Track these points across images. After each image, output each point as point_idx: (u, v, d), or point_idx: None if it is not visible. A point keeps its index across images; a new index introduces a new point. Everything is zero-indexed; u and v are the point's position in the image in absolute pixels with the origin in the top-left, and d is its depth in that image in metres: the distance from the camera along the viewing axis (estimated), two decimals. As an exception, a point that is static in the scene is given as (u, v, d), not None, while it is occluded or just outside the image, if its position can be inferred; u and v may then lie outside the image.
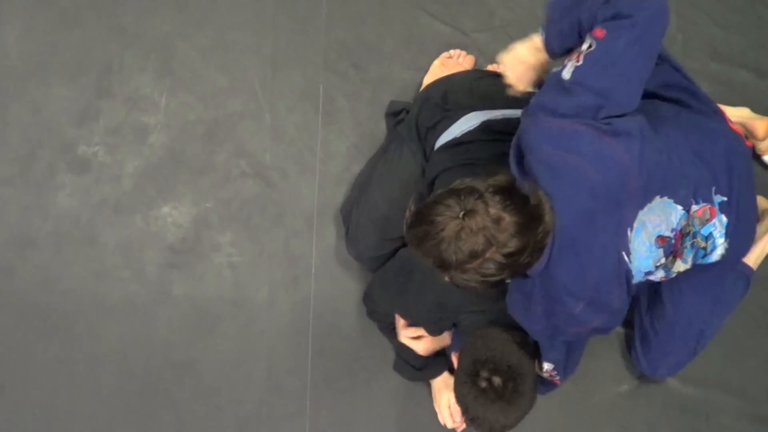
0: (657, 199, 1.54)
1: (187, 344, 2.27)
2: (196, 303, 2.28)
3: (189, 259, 2.29)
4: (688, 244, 1.65)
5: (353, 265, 2.23)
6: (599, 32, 1.49)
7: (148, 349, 2.27)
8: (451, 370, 2.13)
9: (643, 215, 1.53)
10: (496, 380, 1.73)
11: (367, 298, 2.12)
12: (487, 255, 1.41)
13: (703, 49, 2.30)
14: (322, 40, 2.33)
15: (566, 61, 1.54)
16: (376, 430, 2.26)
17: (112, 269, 2.28)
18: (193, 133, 2.31)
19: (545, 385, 1.95)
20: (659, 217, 1.55)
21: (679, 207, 1.58)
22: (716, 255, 1.70)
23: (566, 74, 1.52)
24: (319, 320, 2.26)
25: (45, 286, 2.27)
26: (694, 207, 1.62)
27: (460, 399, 1.80)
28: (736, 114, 2.15)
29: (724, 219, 1.67)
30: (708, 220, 1.65)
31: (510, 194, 1.44)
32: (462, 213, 1.40)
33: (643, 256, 1.56)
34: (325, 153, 2.30)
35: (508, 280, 1.53)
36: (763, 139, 2.17)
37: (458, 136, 1.87)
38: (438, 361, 2.14)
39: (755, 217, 1.82)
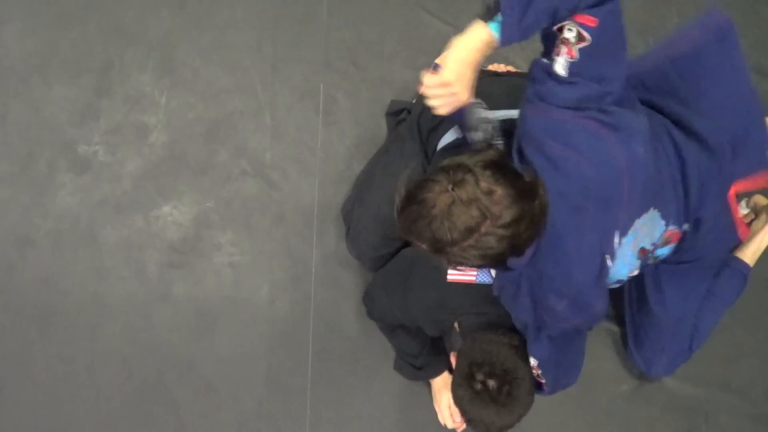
0: (651, 210, 1.53)
1: (188, 343, 2.27)
2: (196, 302, 2.28)
3: (189, 259, 2.29)
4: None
5: (354, 264, 2.23)
6: (590, 20, 1.42)
7: (148, 349, 2.27)
8: (451, 370, 2.13)
9: (638, 224, 1.52)
10: (491, 383, 1.73)
11: (368, 298, 2.12)
12: (483, 229, 1.36)
13: (703, 49, 2.30)
14: (323, 39, 2.32)
15: (555, 55, 1.46)
16: (376, 429, 2.26)
17: (113, 269, 2.28)
18: (193, 133, 2.31)
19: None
20: (648, 228, 1.54)
21: (663, 222, 1.57)
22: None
23: (561, 70, 1.46)
24: (319, 320, 2.27)
25: (45, 285, 2.27)
26: (669, 228, 1.62)
27: (456, 400, 1.81)
28: None
29: (673, 245, 1.69)
30: (668, 244, 1.65)
31: (500, 168, 1.39)
32: (451, 186, 1.36)
33: (623, 264, 1.55)
34: (325, 152, 2.30)
35: (510, 260, 1.47)
36: None
37: (460, 137, 1.87)
38: (438, 360, 2.14)
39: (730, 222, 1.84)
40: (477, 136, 1.58)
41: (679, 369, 2.18)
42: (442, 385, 2.15)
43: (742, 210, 2.20)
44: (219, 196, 2.30)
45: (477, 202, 1.34)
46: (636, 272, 1.60)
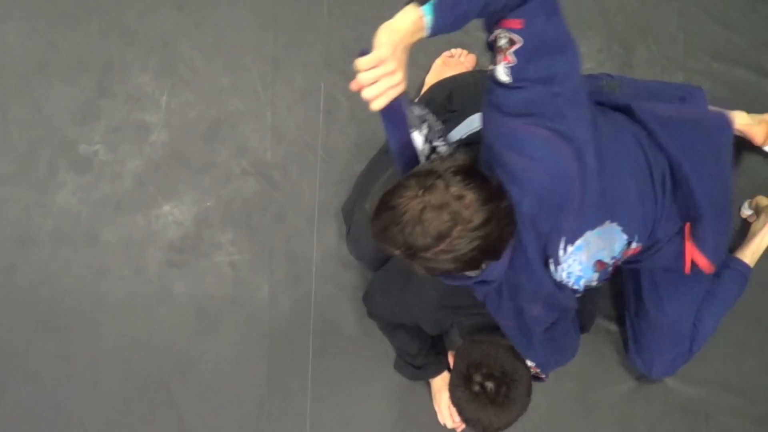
0: (607, 223, 1.53)
1: (188, 343, 2.27)
2: (196, 301, 2.28)
3: (190, 258, 2.29)
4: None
5: (354, 264, 2.23)
6: (515, 23, 1.41)
7: (148, 348, 2.27)
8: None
9: (591, 236, 1.51)
10: (489, 385, 1.74)
11: (367, 298, 2.12)
12: (455, 233, 1.36)
13: (704, 49, 2.29)
14: (323, 39, 2.32)
15: (494, 64, 1.46)
16: (376, 428, 2.27)
17: (113, 268, 2.28)
18: (194, 132, 2.31)
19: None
20: (604, 242, 1.53)
21: (625, 237, 1.57)
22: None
23: (504, 77, 1.44)
24: (319, 319, 2.27)
25: (46, 284, 2.28)
26: (633, 245, 1.61)
27: (454, 401, 1.81)
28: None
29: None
30: (630, 256, 1.66)
31: (470, 174, 1.39)
32: (422, 191, 1.35)
33: (576, 274, 1.54)
34: (326, 152, 2.30)
35: (483, 265, 1.49)
36: (764, 144, 2.16)
37: (463, 137, 1.87)
38: (437, 360, 2.14)
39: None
40: (421, 137, 1.55)
41: (681, 369, 2.18)
42: (441, 384, 2.15)
43: (745, 211, 2.20)
44: (219, 195, 2.30)
45: (447, 207, 1.35)
46: (595, 283, 1.59)
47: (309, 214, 2.29)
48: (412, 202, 1.35)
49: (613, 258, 1.57)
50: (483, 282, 1.54)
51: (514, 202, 1.43)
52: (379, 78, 1.36)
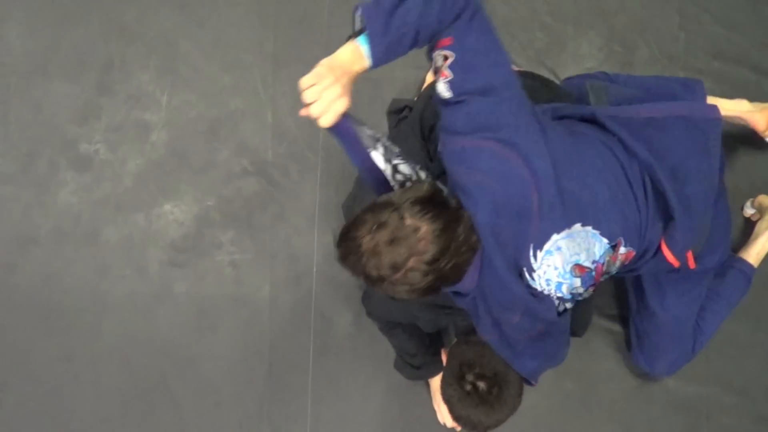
0: (578, 226, 1.53)
1: (189, 342, 2.27)
2: (197, 301, 2.28)
3: (191, 257, 2.29)
4: (602, 279, 1.66)
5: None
6: (446, 41, 1.47)
7: (149, 347, 2.27)
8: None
9: (560, 240, 1.52)
10: (481, 385, 1.75)
11: (366, 298, 2.12)
12: (409, 265, 1.42)
13: (705, 48, 2.30)
14: (324, 37, 2.32)
15: (436, 83, 1.51)
16: (376, 428, 2.27)
17: (114, 267, 2.28)
18: (194, 131, 2.31)
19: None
20: (579, 245, 1.53)
21: (605, 240, 1.57)
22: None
23: (445, 93, 1.49)
24: (320, 318, 2.27)
25: (46, 283, 2.28)
26: (623, 250, 1.61)
27: (445, 398, 1.83)
28: (734, 108, 2.12)
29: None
30: (625, 264, 1.66)
31: (429, 203, 1.45)
32: (375, 226, 1.42)
33: (553, 280, 1.54)
34: (326, 151, 2.30)
35: (445, 288, 1.54)
36: (766, 131, 2.15)
37: None
38: (436, 360, 2.14)
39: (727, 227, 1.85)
40: (379, 156, 1.59)
41: (681, 369, 2.18)
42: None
43: (748, 210, 2.20)
44: (220, 194, 2.30)
45: (400, 241, 1.40)
46: (582, 290, 1.59)
47: (310, 213, 2.29)
48: (366, 237, 1.42)
49: (594, 262, 1.57)
50: (458, 293, 1.58)
51: (471, 216, 1.47)
52: (320, 93, 1.43)
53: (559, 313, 1.61)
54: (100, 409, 2.26)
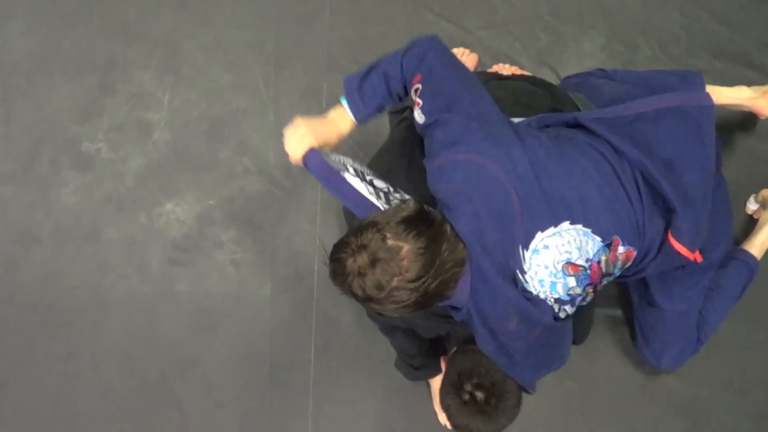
0: (566, 225, 1.53)
1: (191, 341, 2.27)
2: (199, 300, 2.28)
3: (192, 256, 2.29)
4: (605, 281, 1.65)
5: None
6: (416, 79, 1.61)
7: (151, 346, 2.27)
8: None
9: (546, 238, 1.52)
10: (479, 395, 1.75)
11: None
12: (393, 284, 1.45)
13: (706, 48, 2.29)
14: (326, 37, 2.33)
15: (413, 114, 1.63)
16: (377, 428, 2.27)
17: (115, 266, 2.29)
18: (196, 131, 2.31)
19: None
20: (569, 243, 1.54)
21: (598, 238, 1.57)
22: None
23: (420, 119, 1.61)
24: (321, 318, 2.27)
25: (48, 282, 2.28)
26: (621, 249, 1.61)
27: (444, 407, 1.83)
28: (734, 95, 2.09)
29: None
30: (626, 263, 1.65)
31: (414, 221, 1.48)
32: (357, 248, 1.46)
33: (546, 280, 1.54)
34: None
35: (436, 304, 1.55)
36: None
37: None
38: (436, 361, 2.14)
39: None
40: (353, 177, 1.67)
41: (682, 368, 2.18)
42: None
43: (751, 206, 2.20)
44: (222, 193, 2.30)
45: (383, 261, 1.44)
46: (578, 290, 1.59)
47: (311, 212, 2.29)
48: (349, 259, 1.46)
49: (588, 260, 1.56)
50: (453, 307, 1.60)
51: (455, 228, 1.51)
52: (292, 135, 1.65)
53: (559, 318, 1.61)
54: (102, 407, 2.27)
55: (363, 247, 1.45)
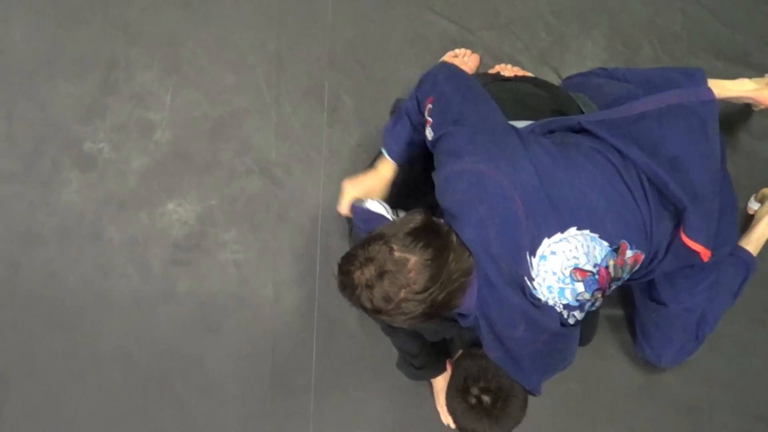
0: (573, 230, 1.54)
1: (192, 341, 2.27)
2: (200, 300, 2.28)
3: (194, 256, 2.29)
4: (613, 285, 1.66)
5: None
6: (429, 100, 1.66)
7: (152, 346, 2.27)
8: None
9: (553, 244, 1.53)
10: (485, 399, 1.76)
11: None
12: (401, 296, 1.47)
13: (708, 48, 2.30)
14: (328, 37, 2.33)
15: (425, 133, 1.68)
16: (379, 427, 2.27)
17: (117, 266, 2.29)
18: (198, 130, 2.31)
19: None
20: (577, 249, 1.54)
21: (605, 243, 1.57)
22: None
23: (430, 135, 1.65)
24: (323, 318, 2.27)
25: (50, 281, 2.28)
26: (629, 253, 1.61)
27: (450, 410, 1.85)
28: (737, 88, 2.08)
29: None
30: (634, 267, 1.66)
31: (421, 233, 1.49)
32: (365, 260, 1.48)
33: (554, 286, 1.55)
34: (330, 150, 2.30)
35: (445, 313, 1.56)
36: None
37: None
38: (438, 361, 2.14)
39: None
40: (385, 210, 1.78)
41: (683, 368, 2.18)
42: (444, 385, 2.15)
43: (752, 206, 2.20)
44: (223, 193, 2.30)
45: (390, 274, 1.46)
46: (587, 295, 1.59)
47: (313, 212, 2.29)
48: (357, 272, 1.49)
49: (596, 266, 1.57)
50: (460, 314, 1.61)
51: (461, 238, 1.52)
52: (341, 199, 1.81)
53: (567, 324, 1.61)
54: (104, 407, 2.27)
55: (370, 260, 1.47)
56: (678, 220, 1.65)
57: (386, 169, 1.82)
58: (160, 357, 2.27)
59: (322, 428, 2.26)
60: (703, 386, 2.24)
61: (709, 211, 1.64)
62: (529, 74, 2.24)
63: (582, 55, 2.31)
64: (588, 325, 1.98)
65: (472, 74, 2.24)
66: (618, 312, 2.24)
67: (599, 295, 1.62)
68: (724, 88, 2.03)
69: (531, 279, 1.54)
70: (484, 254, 1.52)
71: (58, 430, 2.28)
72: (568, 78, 2.19)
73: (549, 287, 1.55)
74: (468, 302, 1.56)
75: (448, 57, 2.28)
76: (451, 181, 1.57)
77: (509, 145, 1.57)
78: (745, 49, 2.30)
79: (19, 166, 2.30)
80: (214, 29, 2.33)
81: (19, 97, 2.32)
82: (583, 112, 1.89)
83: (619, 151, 1.63)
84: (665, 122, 1.65)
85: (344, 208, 1.80)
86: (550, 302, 1.55)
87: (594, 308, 1.66)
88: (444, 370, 2.15)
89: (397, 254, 1.47)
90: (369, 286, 1.48)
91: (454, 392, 1.82)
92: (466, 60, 2.27)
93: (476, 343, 1.87)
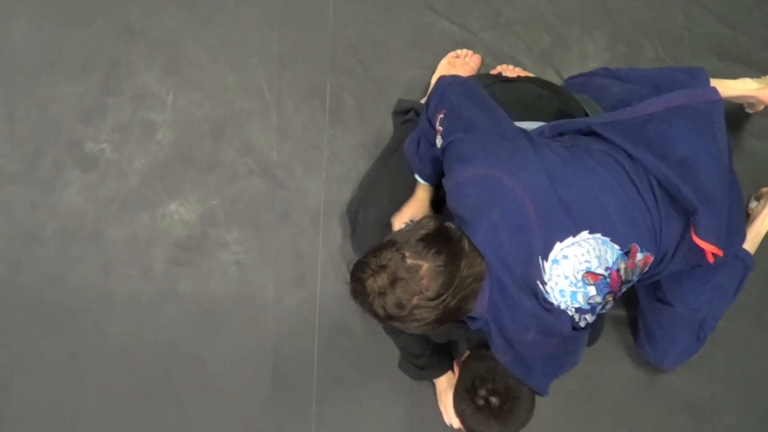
0: (585, 234, 1.54)
1: (194, 341, 2.27)
2: (202, 300, 2.28)
3: (195, 257, 2.29)
4: (624, 288, 1.66)
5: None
6: (441, 113, 1.67)
7: (154, 346, 2.27)
8: (455, 371, 2.14)
9: (565, 248, 1.53)
10: (493, 400, 1.77)
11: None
12: (414, 303, 1.47)
13: (710, 48, 2.30)
14: (329, 38, 2.33)
15: (436, 141, 1.68)
16: (381, 428, 2.26)
17: (119, 266, 2.29)
18: (200, 131, 2.31)
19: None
20: (589, 253, 1.54)
21: (617, 246, 1.57)
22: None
23: (439, 143, 1.65)
24: (325, 318, 2.27)
25: (51, 282, 2.28)
26: (639, 256, 1.61)
27: (458, 412, 1.85)
28: (740, 87, 2.08)
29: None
30: (644, 269, 1.66)
31: (433, 239, 1.50)
32: (377, 268, 1.49)
33: (567, 290, 1.55)
34: (331, 151, 2.30)
35: (457, 319, 1.57)
36: None
37: None
38: (441, 361, 2.14)
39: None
40: None
41: (685, 369, 2.18)
42: (447, 385, 2.15)
43: (753, 205, 2.20)
44: (225, 194, 2.30)
45: (402, 281, 1.46)
46: (599, 298, 1.59)
47: (314, 213, 2.29)
48: (369, 279, 1.50)
49: (608, 269, 1.57)
50: (470, 317, 1.61)
51: (472, 242, 1.52)
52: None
53: (578, 327, 1.61)
54: (105, 407, 2.27)
55: (383, 267, 1.48)
56: (686, 221, 1.65)
57: (422, 192, 1.85)
58: (161, 357, 2.27)
59: (323, 429, 2.26)
60: (705, 387, 2.24)
61: (720, 211, 1.64)
62: (532, 75, 2.24)
63: (583, 56, 2.31)
64: (595, 326, 1.98)
65: (474, 75, 2.24)
66: (620, 312, 2.24)
67: (610, 298, 1.62)
68: (728, 87, 2.03)
69: (543, 283, 1.54)
70: (497, 259, 1.52)
71: (59, 430, 2.28)
72: (571, 78, 2.19)
73: (561, 291, 1.55)
74: (479, 306, 1.56)
75: (449, 57, 2.28)
76: (462, 187, 1.57)
77: (519, 149, 1.57)
78: (747, 49, 2.29)
79: (20, 167, 2.30)
80: (216, 30, 2.34)
81: (20, 97, 2.32)
82: (587, 114, 1.89)
83: (629, 154, 1.63)
84: (673, 123, 1.65)
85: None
86: (562, 306, 1.55)
87: (604, 311, 1.66)
88: (447, 370, 2.15)
89: (409, 261, 1.47)
90: (381, 294, 1.48)
91: (462, 394, 1.82)
92: (467, 60, 2.27)
93: (483, 345, 1.87)
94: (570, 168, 1.57)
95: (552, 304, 1.55)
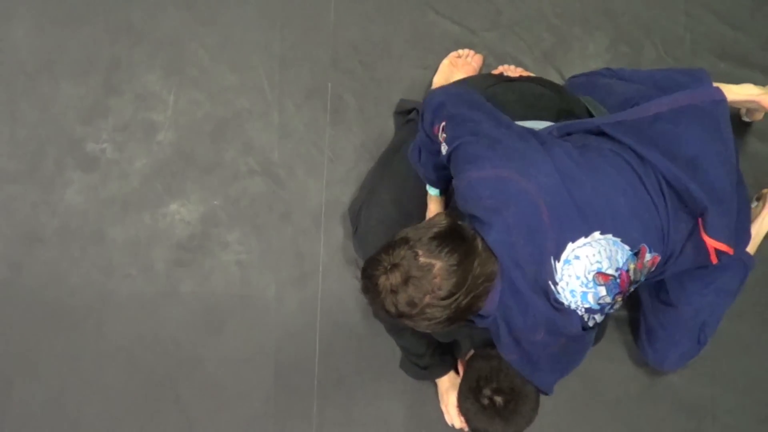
0: (596, 234, 1.54)
1: (195, 341, 2.27)
2: (203, 300, 2.28)
3: (196, 257, 2.29)
4: (632, 288, 1.66)
5: (361, 263, 2.23)
6: (439, 126, 1.66)
7: (155, 346, 2.27)
8: (458, 371, 2.14)
9: (577, 248, 1.53)
10: (498, 399, 1.78)
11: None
12: (426, 301, 1.47)
13: (711, 49, 2.30)
14: (331, 38, 2.33)
15: (441, 149, 1.68)
16: (382, 428, 2.27)
17: (120, 266, 2.29)
18: (201, 131, 2.31)
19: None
20: (600, 253, 1.55)
21: (627, 247, 1.57)
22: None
23: (444, 150, 1.65)
24: (326, 318, 2.27)
25: (53, 282, 2.28)
26: (648, 256, 1.62)
27: (462, 411, 1.85)
28: (742, 92, 2.06)
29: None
30: (651, 270, 1.66)
31: (446, 237, 1.50)
32: (389, 266, 1.49)
33: (577, 290, 1.55)
34: (332, 151, 2.30)
35: (468, 317, 1.57)
36: None
37: None
38: (443, 361, 2.14)
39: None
40: None
41: (686, 369, 2.18)
42: (448, 385, 2.15)
43: (753, 205, 2.20)
44: (226, 194, 2.30)
45: (415, 279, 1.46)
46: (608, 299, 1.60)
47: (315, 213, 2.29)
48: (381, 277, 1.49)
49: (618, 269, 1.57)
50: (479, 315, 1.60)
51: (486, 242, 1.52)
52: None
53: (588, 327, 1.61)
54: (106, 408, 2.26)
55: (396, 266, 1.48)
56: (693, 221, 1.65)
57: (434, 203, 1.87)
58: (162, 357, 2.27)
59: (324, 429, 2.26)
60: (706, 387, 2.24)
61: (730, 210, 1.65)
62: (533, 75, 2.24)
63: (585, 56, 2.31)
64: (599, 326, 1.98)
65: (476, 74, 2.24)
66: (621, 313, 2.24)
67: (619, 299, 1.62)
68: (730, 91, 2.03)
69: (555, 283, 1.54)
70: (509, 259, 1.52)
71: (60, 430, 2.27)
72: (573, 78, 2.19)
73: (572, 291, 1.55)
74: (489, 305, 1.56)
75: (451, 57, 2.27)
76: (474, 187, 1.57)
77: (530, 149, 1.56)
78: (749, 50, 2.30)
79: (21, 167, 2.30)
80: (217, 30, 2.33)
81: (21, 97, 2.32)
82: (591, 114, 1.89)
83: (638, 154, 1.63)
84: (680, 123, 1.65)
85: None
86: (573, 306, 1.56)
87: (612, 311, 1.66)
88: (449, 369, 2.15)
89: (422, 259, 1.47)
90: (393, 292, 1.48)
91: (467, 393, 1.82)
92: (469, 60, 2.27)
93: (487, 344, 1.87)
94: (581, 168, 1.57)
95: (563, 304, 1.55)
